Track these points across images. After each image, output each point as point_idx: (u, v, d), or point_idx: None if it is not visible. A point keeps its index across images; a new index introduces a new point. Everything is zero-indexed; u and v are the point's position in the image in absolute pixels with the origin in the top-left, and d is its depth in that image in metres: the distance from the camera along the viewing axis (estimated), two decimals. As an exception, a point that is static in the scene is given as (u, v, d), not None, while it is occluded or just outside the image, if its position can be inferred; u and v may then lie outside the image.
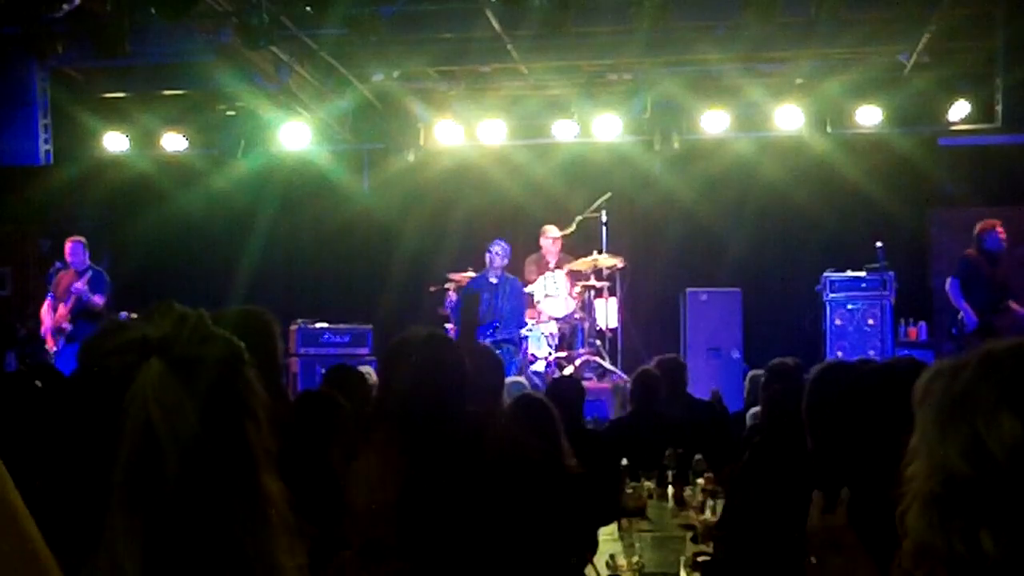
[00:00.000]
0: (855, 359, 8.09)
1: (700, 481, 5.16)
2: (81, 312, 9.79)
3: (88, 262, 10.04)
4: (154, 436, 1.30)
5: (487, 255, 10.31)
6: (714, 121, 11.04)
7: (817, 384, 3.12)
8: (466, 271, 10.65)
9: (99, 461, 1.32)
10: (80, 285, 9.77)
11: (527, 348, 10.27)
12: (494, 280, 10.33)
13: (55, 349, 9.84)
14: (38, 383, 2.84)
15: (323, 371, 9.89)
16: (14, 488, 1.28)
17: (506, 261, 10.37)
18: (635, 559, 3.89)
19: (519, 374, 9.48)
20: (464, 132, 11.37)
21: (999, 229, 9.48)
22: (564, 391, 5.81)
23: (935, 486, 1.29)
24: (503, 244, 10.36)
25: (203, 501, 1.33)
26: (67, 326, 9.79)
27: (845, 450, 2.68)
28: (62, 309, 9.80)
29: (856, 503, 2.38)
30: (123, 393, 1.32)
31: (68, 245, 10.00)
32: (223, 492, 1.35)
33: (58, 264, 10.10)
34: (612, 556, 3.86)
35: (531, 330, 10.26)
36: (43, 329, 9.98)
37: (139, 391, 1.32)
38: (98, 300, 9.83)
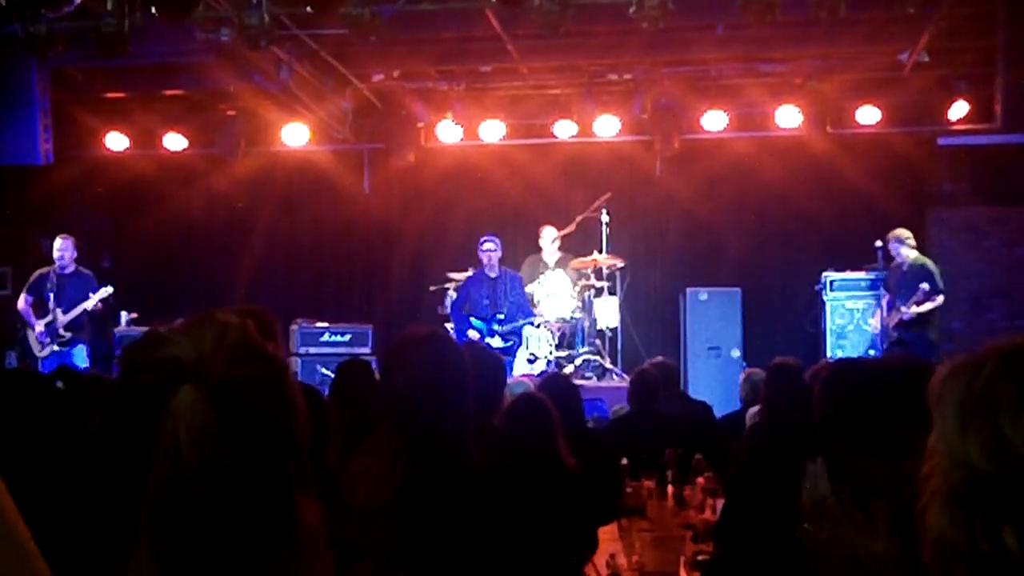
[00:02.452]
0: (856, 359, 8.06)
1: (700, 481, 5.16)
2: (78, 320, 9.71)
3: (74, 263, 9.78)
4: (183, 469, 1.24)
5: (483, 255, 10.29)
6: (714, 121, 11.04)
7: (834, 383, 3.00)
8: (466, 271, 10.64)
9: (121, 481, 1.27)
10: (98, 304, 9.65)
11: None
12: (493, 275, 10.32)
13: (45, 353, 9.62)
14: (59, 384, 2.84)
15: (323, 371, 9.97)
16: (7, 493, 1.26)
17: (499, 254, 10.35)
18: (635, 558, 3.90)
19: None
20: (464, 132, 11.36)
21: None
22: (557, 390, 5.79)
23: (956, 484, 1.29)
24: (494, 240, 10.33)
25: (233, 535, 1.26)
26: (64, 332, 9.67)
27: (866, 451, 2.63)
28: (61, 316, 9.62)
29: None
30: (151, 413, 1.25)
31: (57, 243, 9.73)
32: (254, 526, 1.28)
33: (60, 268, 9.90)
34: (612, 556, 3.86)
35: (539, 326, 10.24)
36: (35, 332, 9.69)
37: (170, 422, 1.25)
38: (100, 306, 9.77)
